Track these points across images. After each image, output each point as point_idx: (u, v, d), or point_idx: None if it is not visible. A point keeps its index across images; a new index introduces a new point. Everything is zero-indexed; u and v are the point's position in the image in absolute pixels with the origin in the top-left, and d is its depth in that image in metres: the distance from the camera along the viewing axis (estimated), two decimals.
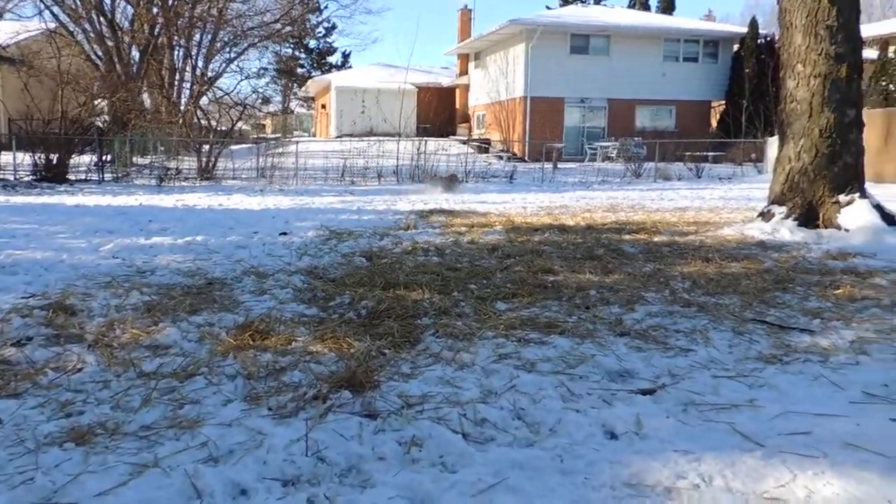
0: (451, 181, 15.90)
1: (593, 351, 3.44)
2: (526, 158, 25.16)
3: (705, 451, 2.35)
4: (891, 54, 30.04)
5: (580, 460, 2.32)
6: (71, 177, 15.83)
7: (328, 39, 49.97)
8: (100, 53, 25.06)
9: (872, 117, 13.05)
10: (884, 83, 29.05)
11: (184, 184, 16.17)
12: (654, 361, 3.30)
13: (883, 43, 31.70)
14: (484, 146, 27.27)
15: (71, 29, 25.18)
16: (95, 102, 19.88)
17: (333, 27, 47.58)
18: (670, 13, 40.71)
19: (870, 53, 24.72)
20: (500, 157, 24.87)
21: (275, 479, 2.17)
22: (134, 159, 17.64)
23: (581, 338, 3.65)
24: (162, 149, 18.33)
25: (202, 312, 4.06)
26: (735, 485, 2.15)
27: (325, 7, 41.96)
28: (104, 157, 16.86)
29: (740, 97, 27.16)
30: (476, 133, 32.08)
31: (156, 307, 4.16)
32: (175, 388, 2.89)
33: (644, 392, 2.93)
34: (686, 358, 3.37)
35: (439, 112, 32.81)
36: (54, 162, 15.52)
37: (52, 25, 24.71)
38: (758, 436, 2.48)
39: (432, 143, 19.65)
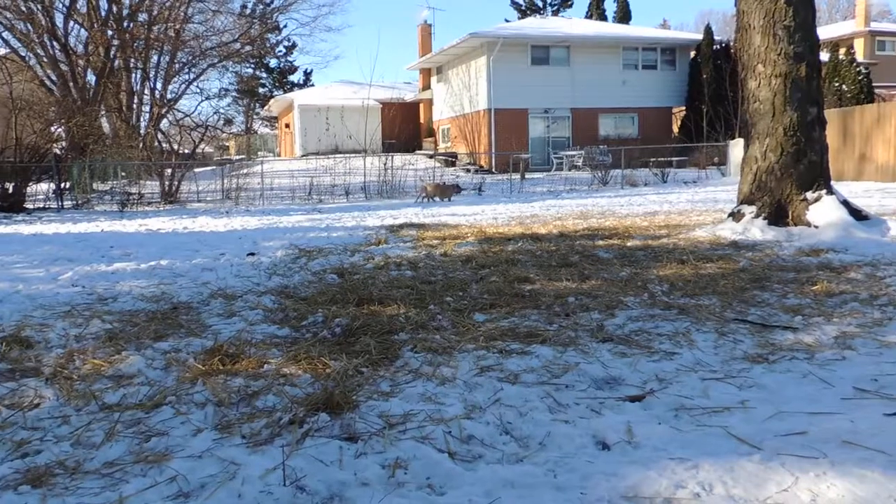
0: (453, 189, 16.05)
1: (577, 359, 3.35)
2: (493, 170, 25.21)
3: (702, 458, 2.25)
4: (841, 56, 30.89)
5: (574, 474, 2.21)
6: (28, 206, 15.37)
7: (289, 58, 49.76)
8: (54, 78, 24.46)
9: (830, 117, 13.29)
10: (837, 84, 29.84)
11: (147, 208, 15.82)
12: (639, 367, 3.21)
13: (833, 45, 32.59)
14: (451, 160, 27.27)
15: (23, 54, 24.57)
16: (52, 128, 19.39)
17: (294, 46, 47.44)
18: (627, 23, 41.34)
19: (821, 56, 25.37)
20: (468, 170, 24.88)
21: None
22: (94, 185, 17.21)
23: (563, 346, 3.56)
24: (123, 174, 17.94)
25: (168, 338, 3.88)
26: (736, 492, 2.06)
27: (285, 26, 41.85)
28: (63, 185, 16.42)
29: (700, 102, 27.61)
30: (442, 147, 32.08)
31: (118, 335, 3.96)
32: (140, 420, 2.72)
33: (633, 399, 2.84)
34: (672, 361, 3.29)
35: (404, 127, 32.76)
36: (10, 191, 15.04)
37: (2, 51, 24.12)
38: (754, 438, 2.40)
39: (399, 159, 19.56)
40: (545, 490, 2.12)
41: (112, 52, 24.80)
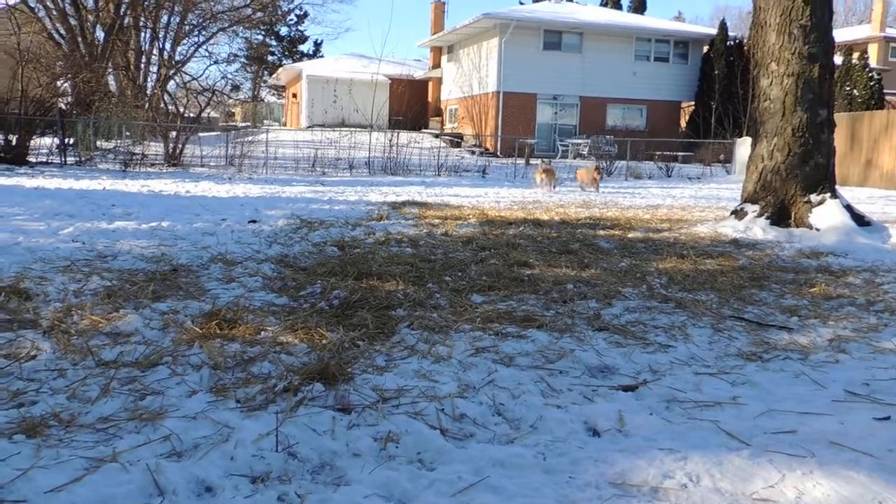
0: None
1: (572, 346, 3.36)
2: (498, 154, 25.12)
3: (691, 450, 2.27)
4: (854, 60, 30.70)
5: (563, 458, 2.23)
6: (31, 159, 15.31)
7: (300, 27, 49.30)
8: (62, 32, 24.23)
9: (838, 121, 13.24)
10: (848, 88, 29.69)
11: (150, 169, 15.77)
12: (634, 357, 3.23)
13: (847, 49, 32.41)
14: (456, 140, 27.17)
15: (32, 5, 24.30)
16: (58, 83, 19.24)
17: (305, 14, 46.94)
18: (641, 13, 41.02)
19: (835, 59, 25.25)
20: (473, 152, 24.79)
21: (243, 476, 2.04)
22: (98, 143, 17.13)
23: (559, 332, 3.57)
24: (128, 133, 17.84)
25: (166, 299, 3.90)
26: (723, 485, 2.08)
27: None
28: (67, 141, 16.34)
29: (709, 98, 27.48)
30: (448, 127, 31.94)
31: (117, 293, 3.97)
32: (136, 378, 2.73)
33: (626, 388, 2.86)
34: (666, 354, 3.31)
35: (412, 105, 32.57)
36: (13, 143, 14.98)
37: (12, 1, 23.84)
38: (743, 434, 2.42)
39: (404, 136, 19.50)
40: (534, 472, 2.14)
41: (122, 9, 24.56)
